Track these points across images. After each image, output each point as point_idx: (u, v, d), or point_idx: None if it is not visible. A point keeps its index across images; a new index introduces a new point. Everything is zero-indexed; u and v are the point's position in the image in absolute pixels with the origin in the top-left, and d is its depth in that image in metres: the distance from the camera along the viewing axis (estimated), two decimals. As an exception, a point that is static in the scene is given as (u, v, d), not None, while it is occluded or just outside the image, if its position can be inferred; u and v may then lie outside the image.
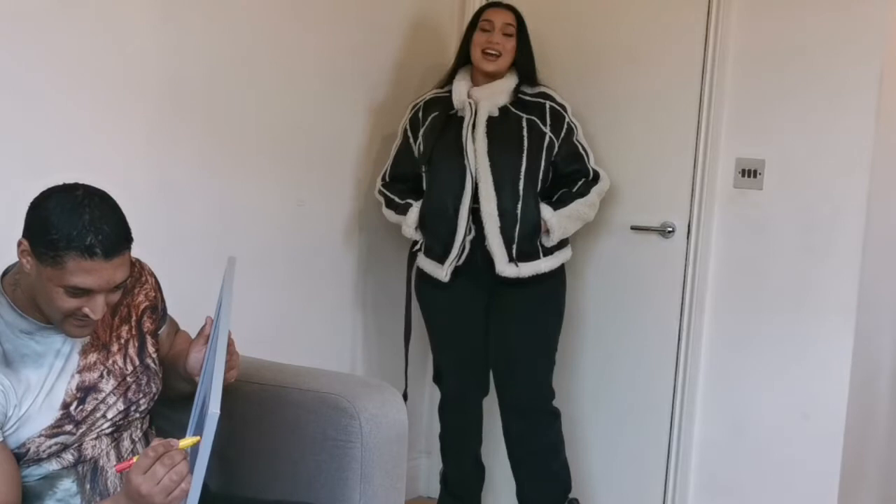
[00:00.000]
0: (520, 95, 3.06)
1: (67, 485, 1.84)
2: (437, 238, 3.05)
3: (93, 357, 1.89)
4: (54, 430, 1.81)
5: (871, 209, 2.99)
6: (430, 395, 3.61)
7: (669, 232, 3.25)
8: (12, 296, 1.81)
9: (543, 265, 3.03)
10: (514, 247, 2.98)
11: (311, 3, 3.06)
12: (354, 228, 3.31)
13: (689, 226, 3.22)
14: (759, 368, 3.16)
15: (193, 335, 2.06)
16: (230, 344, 1.90)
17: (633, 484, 3.37)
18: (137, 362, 1.96)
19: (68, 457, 1.84)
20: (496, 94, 3.04)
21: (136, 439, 1.95)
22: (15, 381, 1.78)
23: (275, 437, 2.17)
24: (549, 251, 3.04)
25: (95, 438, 1.87)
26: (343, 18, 3.18)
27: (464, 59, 3.12)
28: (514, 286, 3.03)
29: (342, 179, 3.26)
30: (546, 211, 3.00)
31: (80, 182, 1.76)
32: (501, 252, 2.98)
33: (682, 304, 3.24)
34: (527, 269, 3.01)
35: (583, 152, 3.10)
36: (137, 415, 1.95)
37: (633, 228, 3.31)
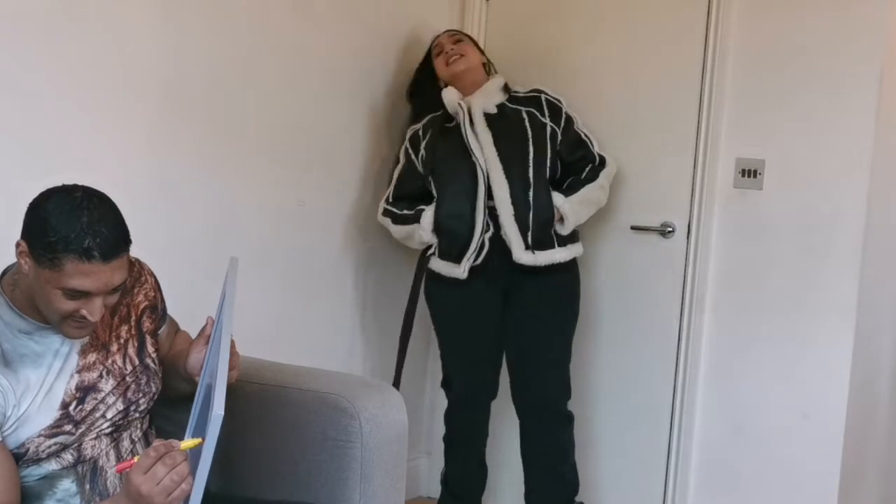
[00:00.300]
0: (513, 94, 3.13)
1: (67, 485, 1.84)
2: (454, 239, 3.05)
3: (92, 357, 1.88)
4: (53, 430, 1.81)
5: (871, 209, 2.99)
6: (430, 396, 3.61)
7: (669, 232, 3.25)
8: (11, 296, 1.81)
9: (558, 255, 3.04)
10: (530, 234, 2.99)
11: (311, 4, 3.06)
12: (354, 228, 3.31)
13: (689, 226, 3.22)
14: (759, 368, 3.16)
15: (193, 335, 2.06)
16: (231, 345, 1.90)
17: (633, 483, 3.37)
18: (137, 362, 1.96)
19: (68, 457, 1.84)
20: (488, 95, 3.09)
21: (136, 439, 1.95)
22: (14, 381, 1.78)
23: (275, 437, 2.17)
24: (563, 241, 3.06)
25: (95, 438, 1.87)
26: (343, 18, 3.18)
27: (433, 92, 3.16)
28: (531, 278, 3.03)
29: (342, 179, 3.26)
30: (558, 198, 3.02)
31: (80, 183, 1.76)
32: (518, 240, 2.99)
33: (682, 304, 3.24)
34: (542, 258, 3.01)
35: (586, 139, 3.13)
36: (137, 414, 1.95)
37: (633, 228, 3.31)
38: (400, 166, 3.21)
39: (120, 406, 1.90)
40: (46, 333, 1.82)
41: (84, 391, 1.86)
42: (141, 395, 1.95)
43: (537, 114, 3.08)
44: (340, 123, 3.23)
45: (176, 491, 1.60)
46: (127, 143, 2.58)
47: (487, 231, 3.02)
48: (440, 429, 3.33)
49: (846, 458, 3.06)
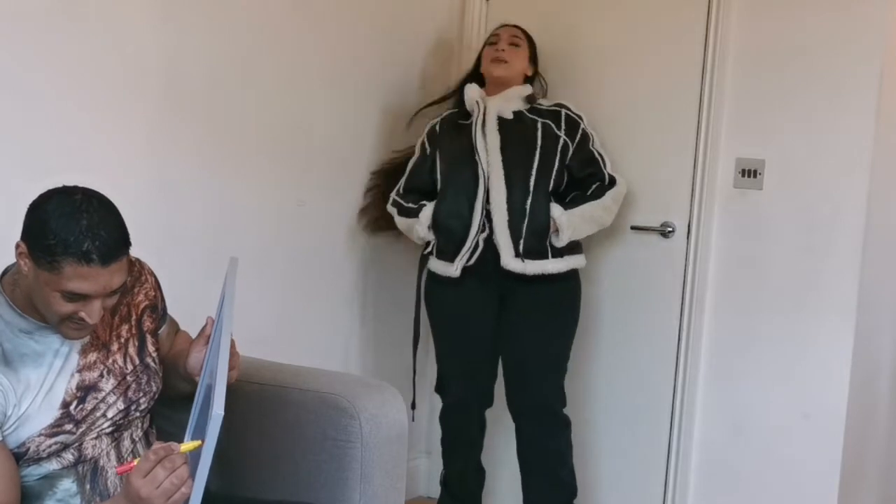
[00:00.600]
0: (536, 105, 3.12)
1: (67, 485, 1.84)
2: (450, 236, 3.05)
3: (92, 356, 1.89)
4: (54, 429, 1.81)
5: (871, 209, 2.99)
6: (430, 396, 3.61)
7: (669, 232, 3.25)
8: (11, 295, 1.81)
9: (550, 266, 3.03)
10: (522, 242, 2.98)
11: (311, 4, 3.06)
12: (355, 228, 3.31)
13: (689, 226, 3.22)
14: (759, 368, 3.16)
15: (194, 335, 2.06)
16: (231, 344, 1.90)
17: (633, 484, 3.37)
18: (137, 361, 1.96)
19: (68, 456, 1.84)
20: (507, 100, 3.08)
21: (137, 439, 1.95)
22: (14, 381, 1.78)
23: (275, 437, 2.17)
24: (557, 253, 3.04)
25: (96, 438, 1.87)
26: (343, 18, 3.18)
27: (474, 76, 3.18)
28: (524, 286, 3.03)
29: (342, 179, 3.26)
30: (556, 209, 3.01)
31: (80, 185, 1.76)
32: (508, 246, 2.98)
33: (682, 304, 3.24)
34: (532, 267, 3.00)
35: (598, 158, 3.11)
36: (138, 414, 1.95)
37: (633, 228, 3.31)
38: (414, 158, 3.21)
39: (121, 405, 1.91)
40: (47, 333, 1.82)
41: (85, 390, 1.86)
42: (141, 394, 1.95)
43: (553, 126, 3.06)
44: (340, 123, 3.23)
45: (176, 494, 1.60)
46: (127, 143, 2.58)
47: (483, 232, 3.02)
48: (440, 429, 3.33)
49: (846, 458, 3.06)
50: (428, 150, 3.17)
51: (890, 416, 3.40)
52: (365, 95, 3.31)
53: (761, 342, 3.15)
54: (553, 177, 3.03)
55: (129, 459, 1.90)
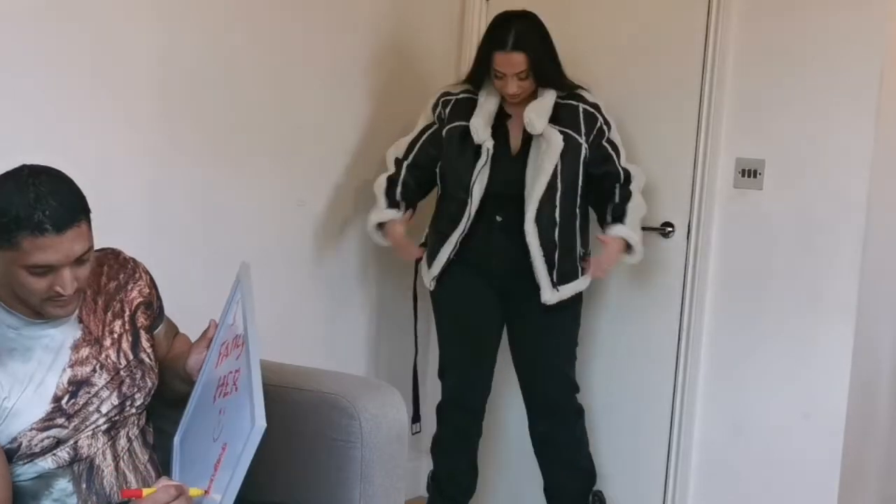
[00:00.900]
0: (557, 100, 2.99)
1: (63, 484, 1.84)
2: (442, 239, 3.05)
3: (85, 351, 1.89)
4: (46, 423, 1.81)
5: (871, 209, 2.99)
6: (430, 396, 3.60)
7: (669, 232, 3.25)
8: None
9: (581, 284, 3.04)
10: (555, 272, 2.97)
11: (309, 4, 3.07)
12: (355, 228, 3.31)
13: (689, 226, 3.22)
14: (759, 368, 3.16)
15: (194, 336, 2.06)
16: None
17: (633, 483, 3.37)
18: (131, 356, 1.96)
19: (63, 455, 1.84)
20: (535, 119, 2.93)
21: (133, 437, 1.95)
22: (2, 375, 1.79)
23: (275, 437, 2.17)
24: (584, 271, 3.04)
25: (91, 436, 1.87)
26: (343, 18, 3.18)
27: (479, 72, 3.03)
28: (525, 284, 3.02)
29: (343, 180, 3.26)
30: (620, 230, 2.97)
31: (27, 163, 1.76)
32: (546, 279, 2.97)
33: (682, 304, 3.24)
34: (567, 291, 3.00)
35: (612, 152, 3.03)
36: (133, 410, 1.94)
37: (634, 228, 3.30)
38: (427, 126, 3.10)
39: (115, 401, 1.90)
40: (35, 328, 1.83)
41: (77, 385, 1.86)
42: (136, 389, 1.94)
43: (573, 135, 2.97)
44: (341, 123, 3.23)
45: None
46: (126, 143, 2.58)
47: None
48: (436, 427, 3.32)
49: (846, 458, 3.06)
50: (436, 124, 3.09)
51: (890, 416, 3.40)
52: (365, 95, 3.31)
53: (761, 342, 3.15)
54: (579, 193, 3.00)
55: (124, 459, 1.91)
